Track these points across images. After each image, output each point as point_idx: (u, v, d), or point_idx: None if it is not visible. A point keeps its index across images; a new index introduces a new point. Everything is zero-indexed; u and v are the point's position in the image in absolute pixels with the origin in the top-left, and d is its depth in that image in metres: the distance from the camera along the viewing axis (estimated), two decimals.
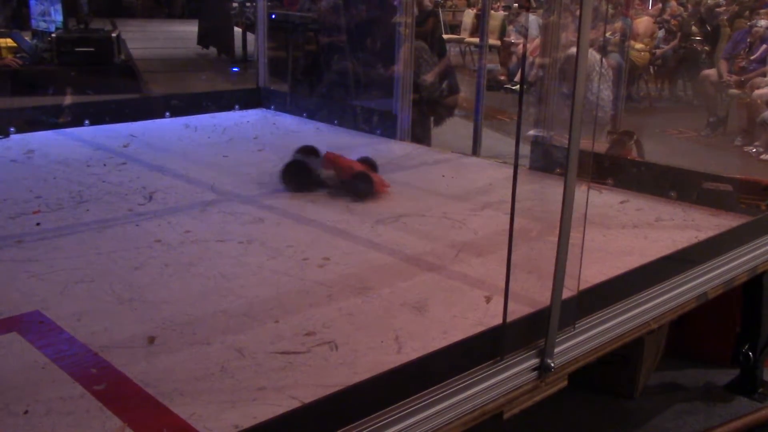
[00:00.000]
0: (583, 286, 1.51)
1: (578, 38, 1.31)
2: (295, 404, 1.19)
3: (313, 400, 1.19)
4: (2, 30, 6.45)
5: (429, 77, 4.68)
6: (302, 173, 2.33)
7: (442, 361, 1.31)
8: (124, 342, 1.38)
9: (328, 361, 1.34)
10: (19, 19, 7.07)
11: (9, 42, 6.21)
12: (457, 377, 1.30)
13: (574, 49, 1.35)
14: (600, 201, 2.34)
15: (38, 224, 1.98)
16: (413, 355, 1.35)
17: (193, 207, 2.18)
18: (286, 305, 1.56)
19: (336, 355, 1.36)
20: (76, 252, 1.81)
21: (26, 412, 1.15)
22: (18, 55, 6.17)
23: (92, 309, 1.51)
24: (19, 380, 1.24)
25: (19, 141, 2.91)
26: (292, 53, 6.09)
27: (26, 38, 6.54)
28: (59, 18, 6.58)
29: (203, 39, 8.72)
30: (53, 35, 6.27)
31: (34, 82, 5.25)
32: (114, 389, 1.22)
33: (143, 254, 1.80)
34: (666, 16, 7.95)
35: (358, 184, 2.28)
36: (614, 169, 2.52)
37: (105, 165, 2.60)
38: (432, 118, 4.36)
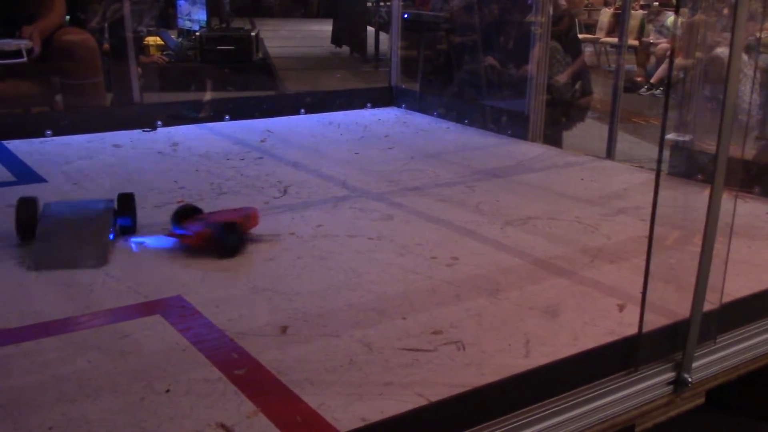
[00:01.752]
0: (726, 299, 1.43)
1: (732, 38, 1.24)
2: (422, 402, 1.19)
3: (439, 399, 1.19)
4: (151, 29, 6.82)
5: (562, 78, 4.58)
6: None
7: (573, 368, 1.28)
8: (258, 330, 1.43)
9: (454, 361, 1.33)
10: (166, 19, 7.46)
11: (157, 40, 6.58)
12: (587, 386, 1.26)
13: (719, 50, 1.29)
14: (745, 210, 2.22)
15: None
16: (542, 361, 1.32)
17: (325, 202, 2.23)
18: (414, 303, 1.56)
19: (463, 355, 1.35)
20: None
21: (168, 390, 1.21)
22: (164, 53, 6.52)
23: (229, 297, 1.57)
24: (161, 360, 1.31)
25: (164, 134, 3.08)
26: (424, 52, 6.11)
27: (172, 36, 6.90)
28: (203, 17, 6.90)
29: (337, 38, 8.91)
30: (197, 34, 6.58)
31: (179, 78, 5.53)
32: (248, 375, 1.27)
33: (277, 246, 1.86)
34: None
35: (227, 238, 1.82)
36: (762, 177, 2.37)
37: (243, 159, 2.70)
38: (564, 120, 4.27)
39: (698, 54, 2.61)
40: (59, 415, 1.14)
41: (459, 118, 3.45)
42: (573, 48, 4.68)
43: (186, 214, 1.90)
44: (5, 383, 1.23)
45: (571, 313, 1.52)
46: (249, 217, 1.90)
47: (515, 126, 3.15)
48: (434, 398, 1.20)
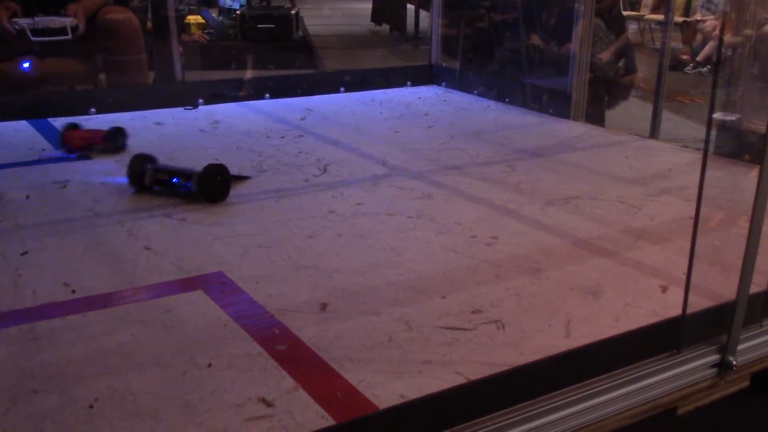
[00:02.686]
0: None
1: None
2: (461, 380, 1.19)
3: (478, 378, 1.19)
4: (192, 7, 6.86)
5: (605, 56, 4.50)
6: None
7: (614, 349, 1.26)
8: (298, 306, 1.44)
9: (494, 340, 1.33)
10: None
11: (198, 19, 6.61)
12: (629, 367, 1.25)
13: None
14: None
15: None
16: (582, 341, 1.31)
17: (364, 180, 2.23)
18: (454, 281, 1.56)
19: (502, 334, 1.35)
20: (256, 218, 1.90)
21: (210, 365, 1.23)
22: (206, 32, 6.56)
23: (270, 273, 1.59)
24: (203, 335, 1.33)
25: (206, 112, 3.10)
26: (464, 30, 6.05)
27: (213, 15, 6.94)
28: None
29: (376, 16, 8.87)
30: (238, 12, 6.60)
31: (219, 56, 5.56)
32: (289, 351, 1.28)
33: (317, 224, 1.87)
34: None
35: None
36: None
37: (283, 137, 2.71)
38: (606, 98, 4.20)
39: (747, 31, 2.55)
40: (104, 387, 1.16)
41: (500, 97, 3.41)
42: (617, 25, 4.59)
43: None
44: (52, 355, 1.26)
45: (612, 294, 1.50)
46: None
47: (557, 104, 3.10)
48: (473, 377, 1.20)
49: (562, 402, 1.20)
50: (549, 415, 1.20)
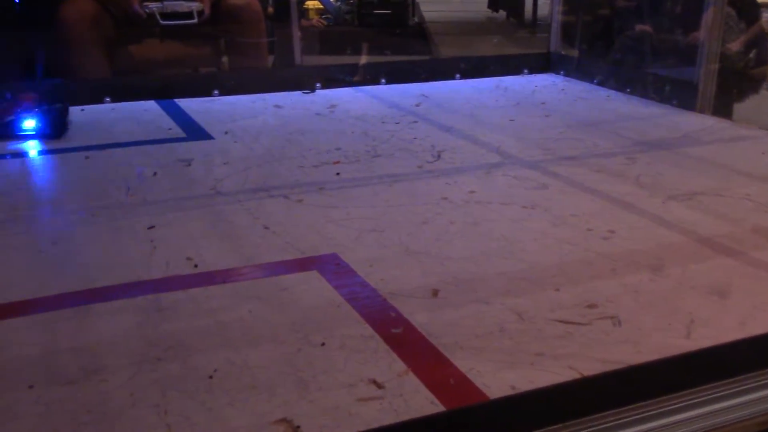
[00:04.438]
0: None
1: None
2: (574, 375, 1.17)
3: (592, 374, 1.16)
4: None
5: (734, 45, 4.29)
6: None
7: (739, 353, 1.20)
8: (410, 291, 1.44)
9: (609, 336, 1.29)
10: None
11: (316, 4, 6.72)
12: (755, 373, 1.19)
13: None
14: None
15: (338, 174, 2.14)
16: (704, 343, 1.26)
17: (478, 168, 2.21)
18: (569, 274, 1.53)
19: (619, 331, 1.31)
20: (370, 202, 1.92)
21: (323, 344, 1.25)
22: (323, 17, 6.66)
23: (382, 257, 1.60)
24: (317, 315, 1.36)
25: (323, 96, 3.16)
26: (584, 17, 5.89)
27: (331, 0, 7.03)
28: None
29: (494, 2, 8.75)
30: None
31: (336, 41, 5.64)
32: (400, 335, 1.29)
33: (430, 210, 1.87)
34: None
35: None
36: None
37: (398, 123, 2.72)
38: (736, 91, 4.00)
39: None
40: (223, 359, 1.21)
41: (620, 86, 3.30)
42: (749, 13, 4.36)
43: None
44: (175, 326, 1.32)
45: (739, 296, 1.43)
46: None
47: (682, 95, 2.98)
48: (587, 372, 1.17)
49: (680, 405, 1.16)
50: (666, 417, 1.16)
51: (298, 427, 1.04)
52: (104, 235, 1.72)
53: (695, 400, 1.17)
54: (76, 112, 2.85)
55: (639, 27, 4.26)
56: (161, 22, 3.35)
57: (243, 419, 1.06)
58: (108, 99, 2.98)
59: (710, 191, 2.03)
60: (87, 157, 2.29)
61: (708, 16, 2.90)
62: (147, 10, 3.34)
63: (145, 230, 1.74)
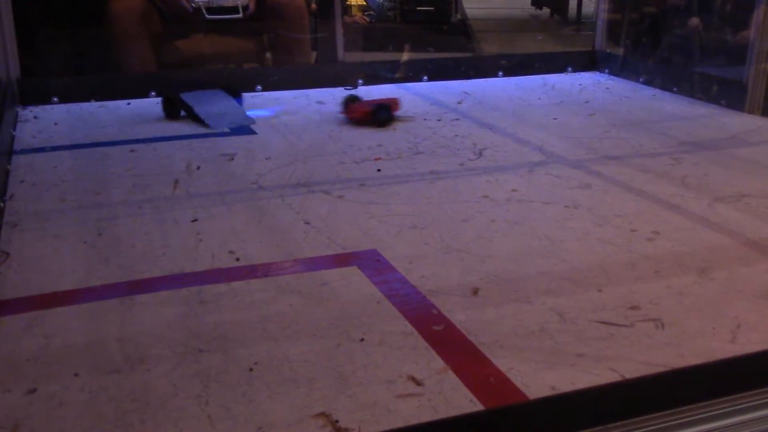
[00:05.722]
0: None
1: None
2: (615, 377, 1.16)
3: (635, 377, 1.14)
4: None
5: None
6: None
7: None
8: (450, 289, 1.44)
9: (652, 339, 1.28)
10: None
11: (360, 1, 6.73)
12: None
13: None
14: None
15: (379, 170, 2.14)
16: (750, 348, 1.24)
17: (520, 166, 2.20)
18: (611, 275, 1.51)
19: (662, 333, 1.29)
20: (411, 199, 1.92)
21: (362, 339, 1.26)
22: (366, 13, 6.66)
23: (422, 254, 1.60)
24: (357, 310, 1.36)
25: (365, 92, 3.16)
26: (629, 14, 5.81)
27: None
28: None
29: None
30: None
31: (379, 38, 5.64)
32: (439, 332, 1.29)
33: (471, 208, 1.86)
34: None
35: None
36: None
37: (440, 120, 2.72)
38: None
39: None
40: (264, 352, 1.22)
41: (666, 85, 3.25)
42: None
43: (351, 100, 2.74)
44: (217, 318, 1.33)
45: None
46: (394, 102, 2.72)
47: (731, 95, 2.92)
48: (629, 375, 1.16)
49: (724, 410, 1.14)
50: (708, 423, 1.14)
51: (337, 421, 1.05)
52: (149, 227, 1.75)
53: (740, 406, 1.15)
54: (122, 106, 2.90)
55: (689, 22, 4.18)
56: (207, 16, 3.39)
57: (282, 412, 1.07)
58: (153, 93, 3.03)
59: (758, 193, 1.99)
60: (132, 150, 2.33)
61: (758, 15, 2.84)
62: (193, 5, 3.38)
63: (189, 223, 1.76)
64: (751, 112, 2.83)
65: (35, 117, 2.74)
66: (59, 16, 3.33)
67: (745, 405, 1.14)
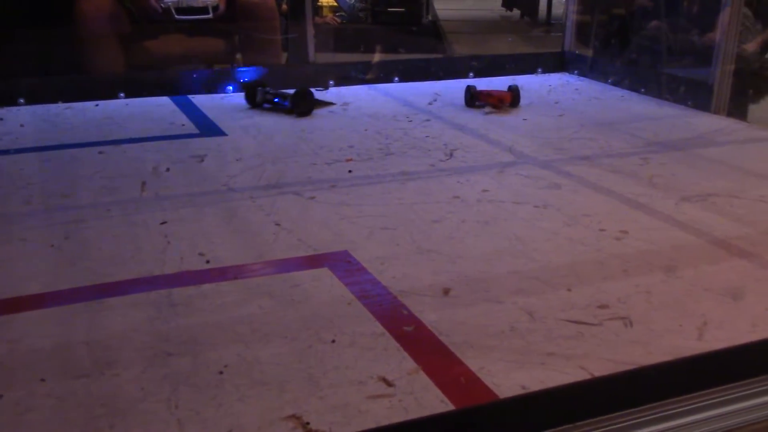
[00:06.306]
0: None
1: None
2: (585, 375, 1.17)
3: (603, 375, 1.16)
4: None
5: (751, 46, 4.26)
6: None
7: (751, 356, 1.20)
8: (420, 290, 1.45)
9: (620, 337, 1.29)
10: None
11: (331, 2, 6.72)
12: (766, 376, 1.18)
13: None
14: None
15: (350, 171, 2.14)
16: (716, 345, 1.26)
17: (491, 167, 2.21)
18: (580, 275, 1.52)
19: (630, 332, 1.31)
20: (382, 200, 1.92)
21: (333, 341, 1.26)
22: (337, 14, 6.65)
23: (394, 255, 1.60)
24: (328, 312, 1.36)
25: (336, 94, 3.16)
26: (598, 16, 5.86)
27: None
28: None
29: (508, 1, 8.72)
30: None
31: (350, 39, 5.63)
32: (410, 333, 1.29)
33: (442, 209, 1.87)
34: None
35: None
36: None
37: (411, 121, 2.72)
38: (751, 92, 3.97)
39: None
40: (234, 355, 1.21)
41: (634, 86, 3.29)
42: (766, 14, 4.33)
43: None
44: (187, 321, 1.32)
45: (752, 298, 1.43)
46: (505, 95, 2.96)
47: (697, 96, 2.96)
48: (598, 373, 1.17)
49: (690, 407, 1.15)
50: (676, 419, 1.15)
51: (308, 423, 1.04)
52: (118, 229, 1.73)
53: (706, 403, 1.16)
54: (90, 108, 2.87)
55: (654, 24, 4.23)
56: (176, 17, 3.36)
57: (253, 415, 1.06)
58: (122, 94, 2.99)
59: (724, 193, 2.02)
60: (101, 152, 2.30)
61: (724, 17, 2.88)
62: (163, 5, 3.35)
63: (158, 225, 1.75)
64: (717, 112, 2.87)
65: (1, 119, 2.70)
66: (25, 16, 3.28)
67: (712, 401, 1.16)
